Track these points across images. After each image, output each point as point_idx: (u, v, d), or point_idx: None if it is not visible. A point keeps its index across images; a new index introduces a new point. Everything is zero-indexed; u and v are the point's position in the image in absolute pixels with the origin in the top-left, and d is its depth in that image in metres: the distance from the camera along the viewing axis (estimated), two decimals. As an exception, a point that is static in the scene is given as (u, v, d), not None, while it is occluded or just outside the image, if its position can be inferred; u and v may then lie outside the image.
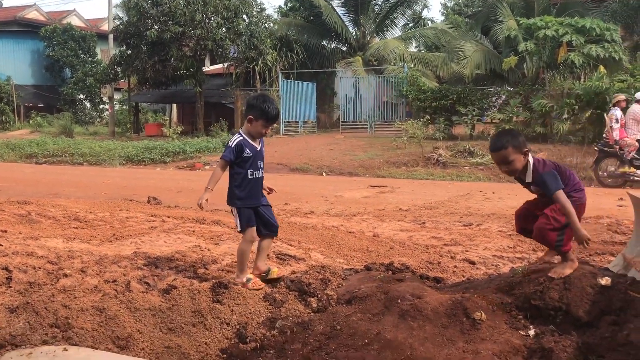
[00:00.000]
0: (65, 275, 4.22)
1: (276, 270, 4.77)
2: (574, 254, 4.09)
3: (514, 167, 3.83)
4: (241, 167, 4.43)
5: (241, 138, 4.42)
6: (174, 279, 4.53)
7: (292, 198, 11.29)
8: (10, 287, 3.99)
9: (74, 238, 5.49)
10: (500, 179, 15.60)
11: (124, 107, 38.17)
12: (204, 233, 6.41)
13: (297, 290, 4.55)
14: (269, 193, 4.73)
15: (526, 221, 4.22)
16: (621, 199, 10.67)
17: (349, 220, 9.01)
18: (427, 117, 22.83)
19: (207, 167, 19.29)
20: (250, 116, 4.41)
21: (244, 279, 4.49)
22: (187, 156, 21.27)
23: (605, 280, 3.87)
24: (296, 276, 4.80)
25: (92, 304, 3.87)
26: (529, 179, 3.90)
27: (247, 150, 4.41)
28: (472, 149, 18.71)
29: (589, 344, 3.63)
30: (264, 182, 4.68)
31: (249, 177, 4.45)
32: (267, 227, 4.63)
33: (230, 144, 4.41)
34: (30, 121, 37.87)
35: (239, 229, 4.57)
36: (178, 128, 26.61)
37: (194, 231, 6.43)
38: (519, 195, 11.67)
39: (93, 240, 5.54)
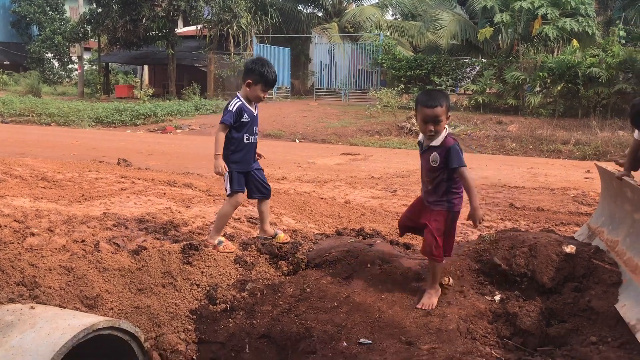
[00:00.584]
0: (33, 234, 4.14)
1: (282, 236, 4.76)
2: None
3: (441, 128, 3.66)
4: (238, 132, 4.38)
5: (240, 102, 4.35)
6: (144, 240, 4.49)
7: (264, 164, 11.05)
8: (-25, 245, 3.90)
9: (42, 198, 5.38)
10: (470, 148, 15.76)
11: (94, 67, 37.15)
12: (175, 196, 6.35)
13: (268, 254, 4.56)
14: (258, 158, 4.68)
15: (410, 222, 4.14)
16: (588, 171, 10.89)
17: (321, 186, 9.02)
18: (402, 86, 22.83)
19: (178, 131, 19.02)
20: (249, 80, 4.33)
21: (216, 241, 4.48)
22: (159, 119, 20.92)
23: (570, 248, 3.96)
24: (267, 239, 4.81)
25: (60, 264, 3.82)
26: (436, 143, 3.69)
27: (246, 115, 4.36)
28: (445, 120, 18.78)
29: (552, 309, 3.74)
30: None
31: (245, 141, 4.41)
32: (260, 190, 4.62)
33: (230, 107, 4.33)
34: (-4, 79, 36.70)
35: (228, 192, 4.52)
36: (149, 90, 26.07)
37: (164, 194, 6.36)
38: (490, 166, 11.87)
39: (61, 201, 5.43)
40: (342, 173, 10.73)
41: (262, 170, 4.69)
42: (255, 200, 4.82)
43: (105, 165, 8.68)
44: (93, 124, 20.47)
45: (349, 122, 19.98)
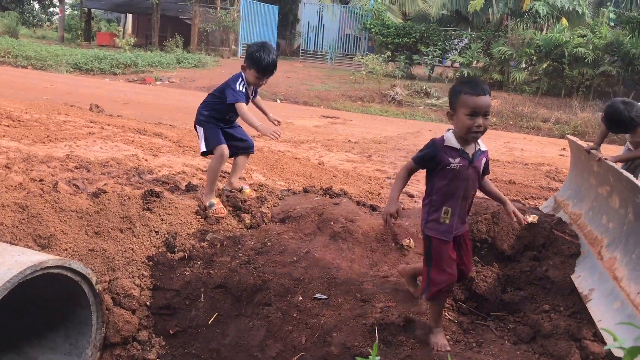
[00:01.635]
0: (-13, 170, 4.01)
1: (248, 191, 4.65)
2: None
3: (488, 122, 2.97)
4: (224, 107, 4.21)
5: (244, 82, 4.19)
6: (105, 184, 4.39)
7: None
8: None
9: (4, 136, 5.23)
10: (452, 121, 15.72)
11: (76, 12, 36.12)
12: (144, 144, 6.22)
13: (231, 206, 4.50)
14: (276, 124, 4.52)
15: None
16: (564, 149, 10.94)
17: (296, 147, 8.94)
18: (389, 53, 22.56)
19: (158, 83, 18.66)
20: (244, 64, 4.17)
21: (208, 203, 4.32)
22: (139, 69, 20.47)
23: (532, 218, 3.96)
24: (232, 192, 4.74)
25: (15, 201, 3.72)
26: (483, 146, 3.07)
27: (248, 92, 4.25)
28: (429, 90, 18.71)
29: (509, 276, 3.76)
30: (271, 114, 4.57)
31: (227, 118, 4.31)
32: (241, 146, 4.49)
33: (237, 87, 4.13)
34: (-28, 18, 35.50)
35: (202, 149, 4.33)
36: (131, 40, 25.44)
37: (133, 141, 6.23)
38: (467, 138, 11.84)
39: (24, 140, 5.28)
40: (320, 135, 10.64)
41: (241, 127, 4.54)
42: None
43: (76, 109, 8.48)
44: (71, 70, 19.98)
45: (332, 86, 19.78)
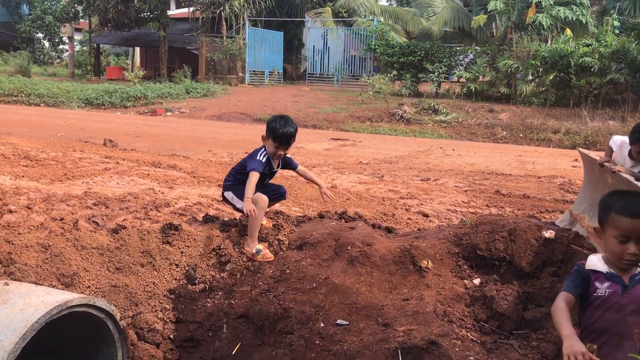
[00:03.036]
0: (10, 211, 4.10)
1: (264, 223, 4.61)
2: None
3: None
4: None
5: (267, 157, 4.29)
6: (124, 220, 4.46)
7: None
8: (-49, 221, 3.86)
9: (23, 176, 5.33)
10: (461, 136, 15.76)
11: (85, 48, 36.80)
12: (159, 177, 6.31)
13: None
14: (328, 196, 4.67)
15: None
16: (576, 160, 10.92)
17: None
18: (395, 72, 22.76)
19: (168, 114, 18.89)
20: (264, 135, 4.31)
21: (254, 250, 4.28)
22: (149, 101, 20.77)
23: (549, 233, 3.97)
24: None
25: (37, 241, 3.79)
26: None
27: (267, 168, 4.34)
28: (437, 107, 18.78)
29: (529, 293, 3.75)
30: (323, 186, 4.69)
31: (263, 182, 4.42)
32: (277, 196, 4.64)
33: (259, 157, 4.24)
34: (-15, 59, 36.26)
35: (240, 206, 4.33)
36: (140, 72, 25.85)
37: (148, 174, 6.32)
38: (478, 153, 11.89)
39: (43, 179, 5.38)
40: (330, 158, 10.71)
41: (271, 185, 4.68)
42: None
43: (91, 146, 8.62)
44: (82, 105, 20.30)
45: (340, 107, 19.91)
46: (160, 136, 12.51)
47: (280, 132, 4.18)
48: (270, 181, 4.59)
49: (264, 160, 4.25)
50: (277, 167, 4.49)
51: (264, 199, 4.28)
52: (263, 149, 4.31)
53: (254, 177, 4.15)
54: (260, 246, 4.32)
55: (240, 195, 4.28)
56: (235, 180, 4.42)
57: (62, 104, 20.20)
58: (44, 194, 4.65)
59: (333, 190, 7.47)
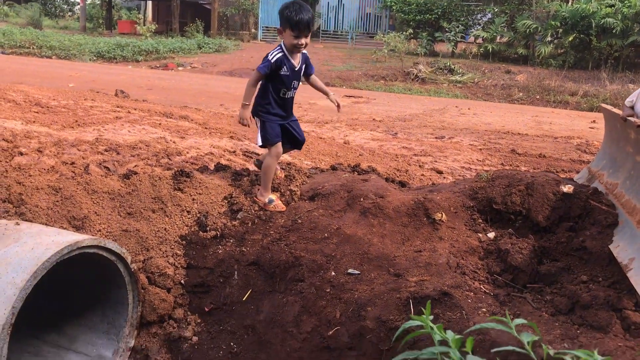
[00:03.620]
0: (21, 154, 4.07)
1: (278, 173, 4.43)
2: None
3: None
4: (274, 85, 4.00)
5: (281, 54, 3.90)
6: (135, 166, 4.42)
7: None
8: (-39, 161, 3.84)
9: (34, 121, 5.29)
10: (477, 97, 15.51)
11: (97, 1, 36.34)
12: (171, 127, 6.24)
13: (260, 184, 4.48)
14: (337, 109, 4.37)
15: None
16: (594, 121, 10.72)
17: (320, 127, 8.90)
18: (410, 30, 22.31)
19: (180, 68, 18.72)
20: (279, 27, 3.92)
21: (266, 199, 4.18)
22: (160, 56, 20.59)
23: (567, 188, 3.88)
24: (261, 162, 4.73)
25: (48, 183, 3.76)
26: None
27: (285, 69, 3.92)
28: (453, 67, 18.45)
29: (544, 247, 3.69)
30: (332, 94, 4.36)
31: (281, 96, 4.04)
32: (294, 143, 4.29)
33: (269, 57, 3.87)
34: (-3, 10, 35.99)
35: (259, 143, 4.17)
36: (152, 27, 25.54)
37: (160, 124, 6.25)
38: (494, 112, 11.70)
39: (54, 125, 5.34)
40: (343, 115, 10.58)
41: (297, 120, 4.32)
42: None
43: (102, 95, 8.55)
44: (94, 58, 20.15)
45: (354, 65, 19.63)
46: (172, 89, 12.40)
47: (297, 18, 3.77)
48: (292, 94, 4.12)
49: (273, 59, 3.88)
50: (300, 65, 4.02)
51: (278, 149, 4.15)
52: (277, 48, 3.94)
53: (252, 78, 3.92)
54: (272, 196, 4.24)
55: (266, 134, 4.07)
56: (265, 100, 4.06)
57: (73, 57, 20.07)
58: (55, 139, 4.61)
59: (346, 146, 7.38)
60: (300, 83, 4.18)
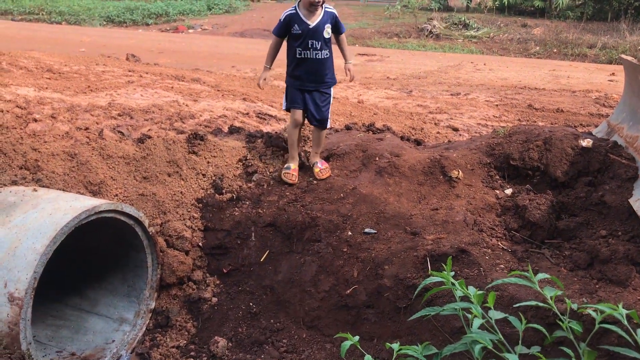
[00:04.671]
0: (35, 120, 4.07)
1: (317, 171, 4.08)
2: None
3: None
4: (291, 45, 3.88)
5: (292, 12, 3.81)
6: (149, 130, 4.41)
7: (276, 63, 10.87)
8: (-23, 129, 3.84)
9: (46, 88, 5.27)
10: (493, 52, 15.21)
11: (104, -36, 35.88)
12: (183, 90, 6.21)
13: (275, 146, 4.46)
14: (351, 80, 4.18)
15: None
16: (613, 74, 10.47)
17: (334, 86, 8.79)
18: (423, -15, 21.78)
19: (190, 31, 18.53)
20: None
21: (285, 165, 4.14)
22: (170, 18, 20.36)
23: (586, 142, 3.81)
24: (275, 132, 4.70)
25: (63, 149, 3.77)
26: None
27: (296, 27, 3.79)
28: (468, 22, 18.05)
29: (563, 202, 3.65)
30: (350, 61, 4.13)
31: (297, 56, 3.86)
32: (312, 116, 4.05)
33: (280, 17, 3.84)
34: (5, -24, 35.65)
35: (284, 107, 4.14)
36: (161, -12, 25.19)
37: (172, 87, 6.22)
38: (510, 68, 11.48)
39: (66, 91, 5.32)
40: (357, 74, 10.40)
41: (326, 95, 4.06)
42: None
43: (113, 60, 8.50)
44: (104, 23, 19.98)
45: (366, 23, 19.28)
46: (183, 52, 12.30)
47: None
48: (313, 55, 3.87)
49: (282, 18, 3.83)
50: (319, 24, 3.83)
51: (295, 116, 4.02)
52: (291, 7, 3.85)
53: (272, 40, 3.93)
54: (292, 164, 4.12)
55: (287, 98, 4.05)
56: (288, 64, 3.97)
57: (83, 22, 19.92)
58: (68, 104, 4.60)
59: (360, 105, 7.30)
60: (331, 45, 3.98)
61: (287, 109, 4.11)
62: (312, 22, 3.82)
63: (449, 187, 3.87)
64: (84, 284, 3.71)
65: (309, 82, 3.95)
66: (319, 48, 3.86)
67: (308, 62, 3.90)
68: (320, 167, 4.07)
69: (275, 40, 3.92)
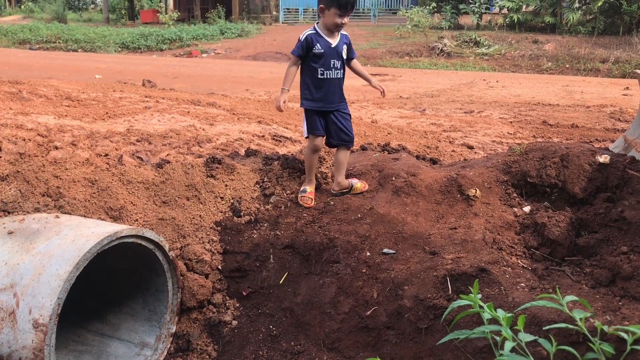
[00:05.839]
0: (56, 148, 4.15)
1: (359, 186, 4.10)
2: None
3: None
4: (311, 65, 3.81)
5: (312, 32, 3.78)
6: (167, 155, 4.47)
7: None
8: (0, 157, 3.92)
9: (66, 115, 5.38)
10: (504, 69, 15.24)
11: (119, -8, 36.62)
12: (199, 114, 6.29)
13: (291, 168, 4.49)
14: (382, 94, 4.15)
15: None
16: (627, 88, 10.43)
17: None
18: (434, 4, 21.95)
19: (204, 55, 18.80)
20: (321, 5, 3.74)
21: (301, 188, 4.12)
22: (184, 43, 20.71)
23: (604, 158, 3.79)
24: (291, 154, 4.74)
25: (84, 176, 3.84)
26: None
27: (318, 46, 3.76)
28: (479, 39, 18.14)
29: (582, 219, 3.63)
30: (373, 80, 4.13)
31: (318, 76, 3.82)
32: (339, 136, 3.98)
33: (300, 37, 3.79)
34: (22, 6, 36.52)
35: (305, 134, 4.02)
36: (174, 14, 25.65)
37: (188, 112, 6.31)
38: (523, 84, 11.49)
39: (85, 118, 5.42)
40: (369, 94, 10.49)
41: (346, 112, 4.05)
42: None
43: (130, 86, 8.64)
44: (119, 49, 20.36)
45: (377, 43, 19.43)
46: (197, 77, 12.47)
47: None
48: (334, 75, 3.88)
49: (303, 38, 3.77)
50: (339, 45, 3.85)
51: (314, 142, 3.94)
52: (311, 28, 3.81)
53: (290, 62, 3.82)
54: (309, 188, 4.09)
55: (307, 124, 3.94)
56: (303, 86, 3.90)
57: (99, 49, 20.31)
58: (88, 131, 4.69)
59: (374, 125, 7.34)
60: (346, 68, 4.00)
61: (306, 135, 4.03)
62: (334, 42, 3.84)
63: (466, 205, 3.86)
64: (106, 309, 3.74)
65: (329, 103, 3.93)
66: (339, 67, 3.88)
67: (329, 82, 3.88)
68: (358, 182, 4.12)
69: (294, 60, 3.84)
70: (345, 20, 3.75)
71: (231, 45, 20.17)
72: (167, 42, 20.79)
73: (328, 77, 3.86)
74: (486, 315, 1.53)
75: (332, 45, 3.83)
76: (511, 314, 1.51)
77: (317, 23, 3.86)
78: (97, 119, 5.47)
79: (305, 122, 3.96)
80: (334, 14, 3.69)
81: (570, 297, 1.58)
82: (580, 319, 1.52)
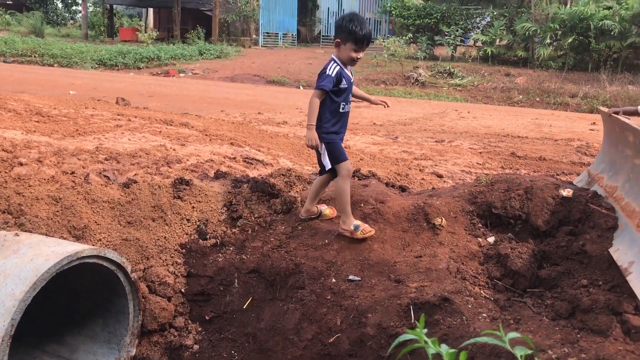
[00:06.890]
0: (21, 164, 4.08)
1: (328, 212, 4.11)
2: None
3: None
4: (334, 100, 3.74)
5: (339, 66, 3.70)
6: (135, 174, 4.42)
7: (266, 108, 11.07)
8: (-39, 172, 3.85)
9: (34, 131, 5.30)
10: (477, 100, 15.53)
11: (98, 9, 36.49)
12: (171, 134, 6.26)
13: (260, 191, 4.49)
14: (384, 107, 4.24)
15: None
16: (594, 123, 10.71)
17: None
18: (410, 35, 22.33)
19: (181, 75, 18.77)
20: (338, 39, 3.71)
21: (352, 227, 3.81)
22: (162, 62, 20.65)
23: (567, 192, 3.88)
24: (261, 177, 4.74)
25: (48, 193, 3.77)
26: None
27: (344, 81, 3.72)
28: (453, 70, 18.49)
29: (544, 251, 3.68)
30: (373, 97, 4.25)
31: (341, 110, 3.78)
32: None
33: (328, 72, 3.67)
34: (-2, 19, 36.11)
35: (328, 166, 3.84)
36: (153, 34, 25.64)
37: (160, 131, 6.27)
38: (494, 116, 11.70)
39: (54, 135, 5.35)
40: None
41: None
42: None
43: (103, 103, 8.57)
44: (96, 66, 20.21)
45: (354, 70, 19.60)
46: (173, 96, 12.43)
47: (363, 33, 3.64)
48: (349, 108, 3.91)
49: (333, 73, 3.67)
50: (352, 77, 3.89)
51: (349, 166, 3.86)
52: (331, 61, 3.74)
53: (317, 96, 3.66)
54: (357, 222, 3.86)
55: (333, 153, 3.80)
56: (325, 118, 3.76)
57: (75, 65, 20.13)
58: (55, 148, 4.62)
59: (347, 150, 7.38)
60: None
61: (336, 164, 3.84)
62: (351, 75, 3.85)
63: (432, 234, 3.90)
64: (63, 330, 3.65)
65: (343, 134, 3.95)
66: (350, 100, 3.90)
67: (346, 115, 3.89)
68: (327, 208, 4.22)
69: (320, 94, 3.68)
70: (361, 55, 3.75)
71: (209, 66, 20.19)
72: (145, 60, 20.71)
73: (346, 110, 3.86)
74: (430, 350, 1.54)
75: (352, 80, 3.84)
76: (454, 349, 1.52)
77: (334, 55, 3.77)
78: (67, 136, 5.40)
79: (327, 156, 3.81)
80: (350, 49, 3.68)
81: (513, 335, 1.60)
82: (521, 356, 1.54)
